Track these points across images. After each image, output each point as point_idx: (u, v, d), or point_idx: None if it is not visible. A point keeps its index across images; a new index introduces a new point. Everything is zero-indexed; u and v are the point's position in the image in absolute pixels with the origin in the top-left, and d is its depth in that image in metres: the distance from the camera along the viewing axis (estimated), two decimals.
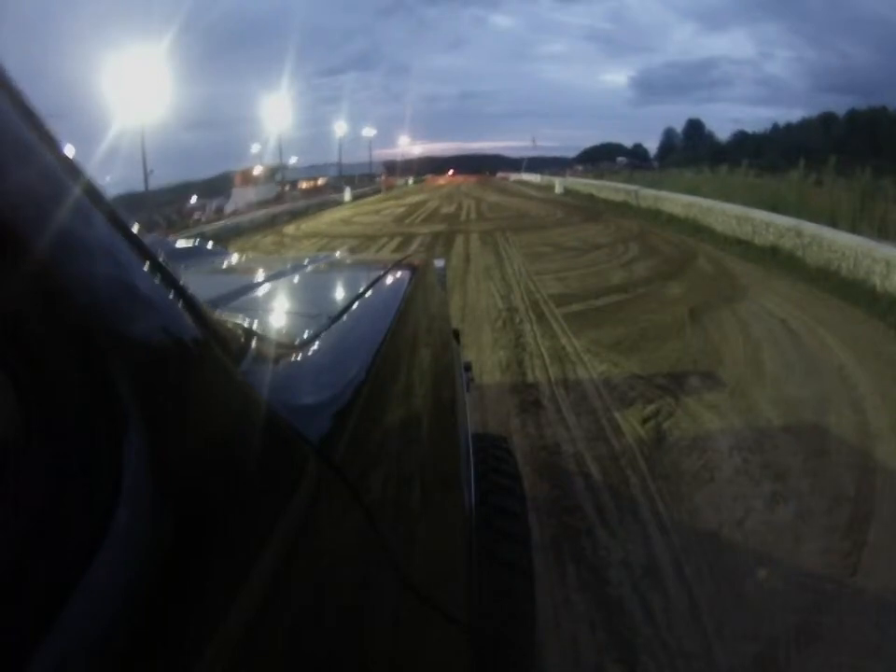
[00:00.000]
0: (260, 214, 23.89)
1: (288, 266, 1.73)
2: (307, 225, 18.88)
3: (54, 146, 0.37)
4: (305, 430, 0.55)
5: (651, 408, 3.55)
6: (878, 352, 4.48)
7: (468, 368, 2.10)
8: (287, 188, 44.44)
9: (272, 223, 20.84)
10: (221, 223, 21.72)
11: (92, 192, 0.39)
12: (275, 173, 46.76)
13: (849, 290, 6.27)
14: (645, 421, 3.39)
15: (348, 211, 23.74)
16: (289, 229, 18.10)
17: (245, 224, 20.47)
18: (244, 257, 2.36)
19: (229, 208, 33.60)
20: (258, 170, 45.93)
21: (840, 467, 2.87)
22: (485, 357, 4.49)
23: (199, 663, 0.35)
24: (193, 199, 37.66)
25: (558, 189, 25.13)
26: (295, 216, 23.04)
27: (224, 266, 2.04)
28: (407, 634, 0.66)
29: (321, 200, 30.46)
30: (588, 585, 2.14)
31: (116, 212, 0.40)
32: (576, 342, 4.77)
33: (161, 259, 0.43)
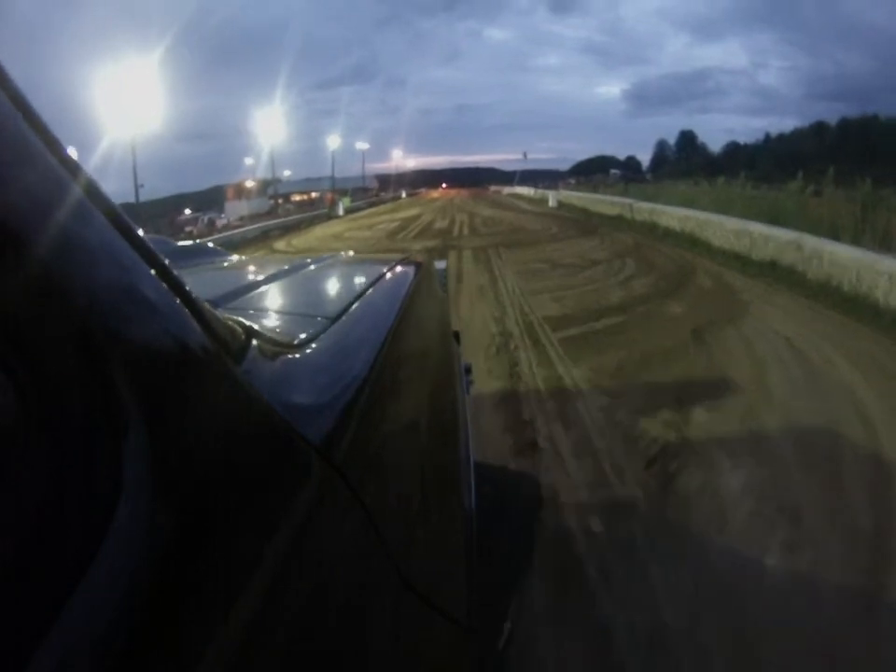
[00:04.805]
0: (252, 228, 23.79)
1: (289, 266, 1.73)
2: (298, 240, 18.84)
3: (56, 147, 0.37)
4: (306, 430, 0.55)
5: (655, 448, 3.30)
6: (884, 368, 4.40)
7: (468, 370, 2.08)
8: (280, 201, 44.63)
9: (263, 238, 20.68)
10: (213, 237, 21.55)
11: (93, 193, 0.39)
12: (268, 186, 46.99)
13: (852, 306, 6.18)
14: (650, 464, 3.13)
15: (340, 226, 23.60)
16: (280, 244, 17.96)
17: (237, 238, 20.36)
18: (244, 257, 2.42)
19: (221, 222, 33.60)
20: (249, 183, 46.06)
21: (859, 503, 2.68)
22: (479, 388, 4.23)
23: (200, 662, 0.35)
24: (187, 211, 37.81)
25: (552, 203, 25.10)
26: (287, 230, 23.04)
27: (224, 266, 2.05)
28: (407, 634, 0.66)
29: (314, 214, 30.41)
30: None
31: (117, 212, 0.40)
32: (574, 370, 4.50)
33: (161, 260, 0.43)
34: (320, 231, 21.74)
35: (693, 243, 11.18)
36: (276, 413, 0.52)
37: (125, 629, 0.31)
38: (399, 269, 1.59)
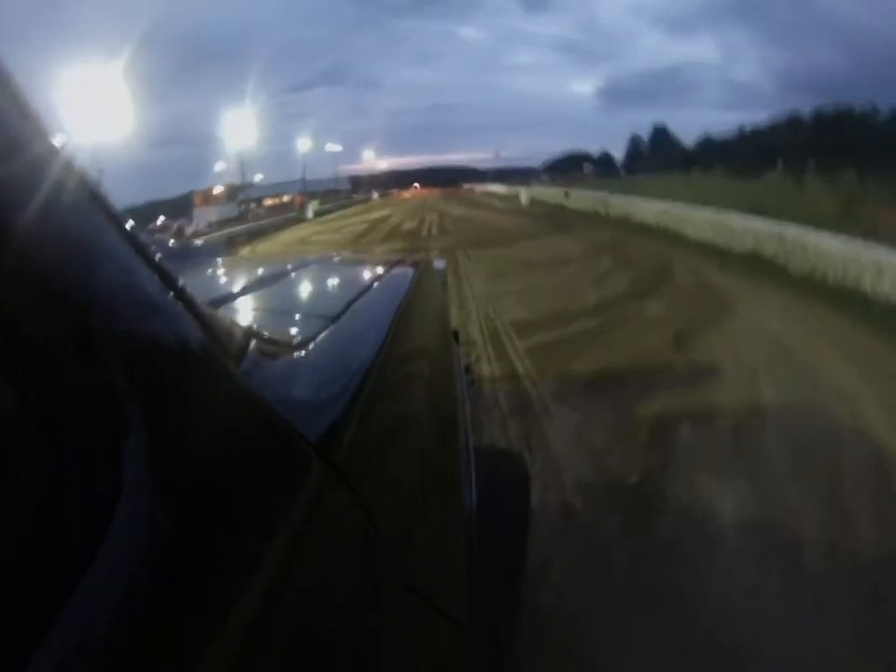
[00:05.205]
0: (219, 234, 23.20)
1: (288, 266, 1.75)
2: (264, 246, 18.46)
3: (54, 146, 0.37)
4: (305, 430, 0.55)
5: (634, 478, 2.81)
6: (878, 364, 4.17)
7: (468, 370, 2.07)
8: (253, 205, 44.34)
9: (229, 244, 20.07)
10: None
11: (93, 193, 0.39)
12: (238, 191, 46.66)
13: (839, 298, 6.01)
14: (629, 495, 2.68)
15: (308, 229, 23.15)
16: (245, 251, 17.35)
17: None
18: (244, 257, 2.28)
19: (190, 229, 33.04)
20: (218, 189, 45.58)
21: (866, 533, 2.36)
22: None
23: (200, 662, 0.35)
24: (161, 219, 37.55)
25: (524, 201, 24.62)
26: (254, 236, 22.49)
27: (224, 266, 2.08)
28: (407, 634, 0.65)
29: (282, 218, 30.03)
30: None
31: (116, 213, 0.41)
32: (542, 386, 3.99)
33: (160, 260, 0.44)
34: (288, 236, 21.33)
35: (670, 237, 10.91)
36: (276, 413, 0.52)
37: (125, 629, 0.31)
38: (398, 269, 1.60)
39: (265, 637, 0.40)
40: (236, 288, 1.31)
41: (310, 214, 31.14)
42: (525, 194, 25.78)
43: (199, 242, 21.29)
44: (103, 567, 0.31)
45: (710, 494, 2.65)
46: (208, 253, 2.39)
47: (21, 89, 0.35)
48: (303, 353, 0.73)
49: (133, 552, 0.33)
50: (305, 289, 1.54)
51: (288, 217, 30.52)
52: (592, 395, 3.85)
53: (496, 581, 1.30)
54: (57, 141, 0.37)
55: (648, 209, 13.30)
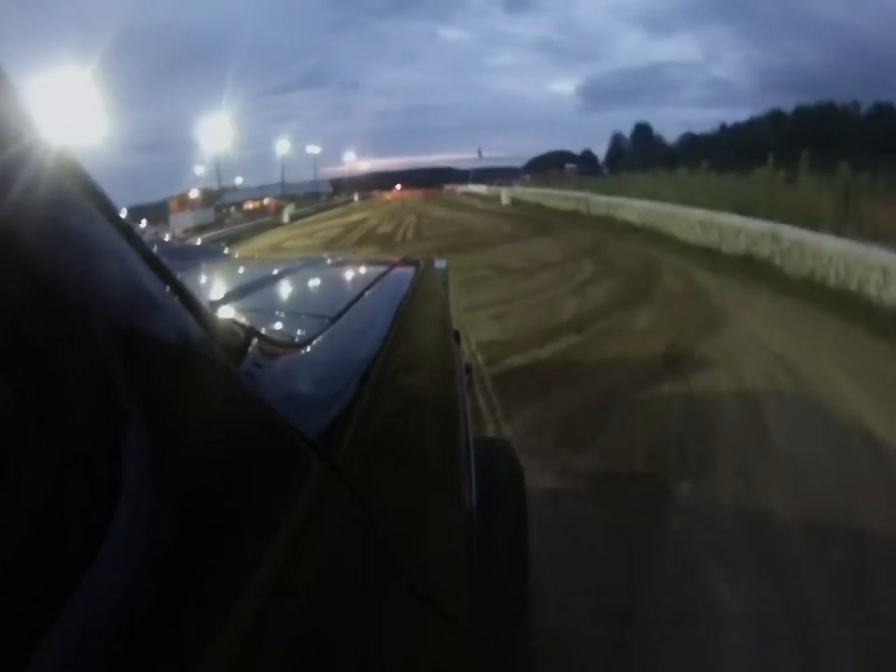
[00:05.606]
0: (192, 240, 22.59)
1: (289, 266, 1.73)
2: (237, 252, 17.63)
3: (54, 147, 0.37)
4: (305, 430, 0.54)
5: (619, 558, 2.26)
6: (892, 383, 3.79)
7: (468, 370, 1.99)
8: (233, 209, 43.94)
9: None
10: None
11: (94, 193, 0.39)
12: (218, 196, 46.22)
13: (842, 304, 5.60)
14: (605, 595, 2.08)
15: (283, 234, 22.80)
16: None
17: None
18: (243, 257, 2.21)
19: (166, 235, 32.51)
20: (194, 194, 44.99)
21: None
22: None
23: (200, 661, 0.35)
24: (143, 224, 37.35)
25: (504, 201, 24.11)
26: (228, 241, 21.78)
27: (224, 266, 2.09)
28: (406, 634, 0.65)
29: (257, 222, 29.88)
30: None
31: (116, 212, 0.41)
32: (507, 428, 3.37)
33: (161, 259, 0.43)
34: (261, 242, 20.96)
35: (655, 238, 10.53)
36: (276, 413, 0.52)
37: (125, 629, 0.31)
38: (398, 269, 1.60)
39: (265, 637, 0.40)
40: (236, 288, 1.31)
41: (286, 218, 30.68)
42: (505, 195, 25.19)
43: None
44: (103, 567, 0.31)
45: None
46: (209, 253, 2.38)
47: (18, 89, 0.35)
48: (304, 352, 0.74)
49: (133, 551, 0.33)
50: (306, 289, 1.53)
51: (262, 222, 29.90)
52: (566, 440, 3.24)
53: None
54: (56, 140, 0.37)
55: (631, 208, 13.00)
